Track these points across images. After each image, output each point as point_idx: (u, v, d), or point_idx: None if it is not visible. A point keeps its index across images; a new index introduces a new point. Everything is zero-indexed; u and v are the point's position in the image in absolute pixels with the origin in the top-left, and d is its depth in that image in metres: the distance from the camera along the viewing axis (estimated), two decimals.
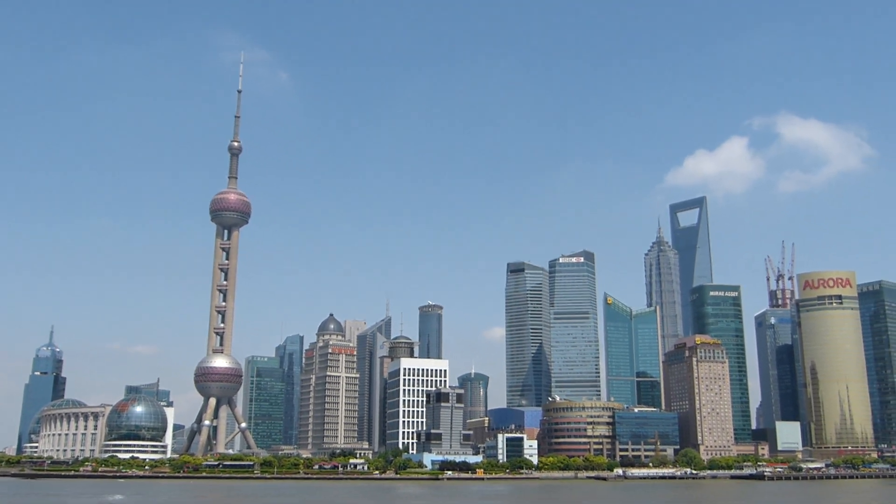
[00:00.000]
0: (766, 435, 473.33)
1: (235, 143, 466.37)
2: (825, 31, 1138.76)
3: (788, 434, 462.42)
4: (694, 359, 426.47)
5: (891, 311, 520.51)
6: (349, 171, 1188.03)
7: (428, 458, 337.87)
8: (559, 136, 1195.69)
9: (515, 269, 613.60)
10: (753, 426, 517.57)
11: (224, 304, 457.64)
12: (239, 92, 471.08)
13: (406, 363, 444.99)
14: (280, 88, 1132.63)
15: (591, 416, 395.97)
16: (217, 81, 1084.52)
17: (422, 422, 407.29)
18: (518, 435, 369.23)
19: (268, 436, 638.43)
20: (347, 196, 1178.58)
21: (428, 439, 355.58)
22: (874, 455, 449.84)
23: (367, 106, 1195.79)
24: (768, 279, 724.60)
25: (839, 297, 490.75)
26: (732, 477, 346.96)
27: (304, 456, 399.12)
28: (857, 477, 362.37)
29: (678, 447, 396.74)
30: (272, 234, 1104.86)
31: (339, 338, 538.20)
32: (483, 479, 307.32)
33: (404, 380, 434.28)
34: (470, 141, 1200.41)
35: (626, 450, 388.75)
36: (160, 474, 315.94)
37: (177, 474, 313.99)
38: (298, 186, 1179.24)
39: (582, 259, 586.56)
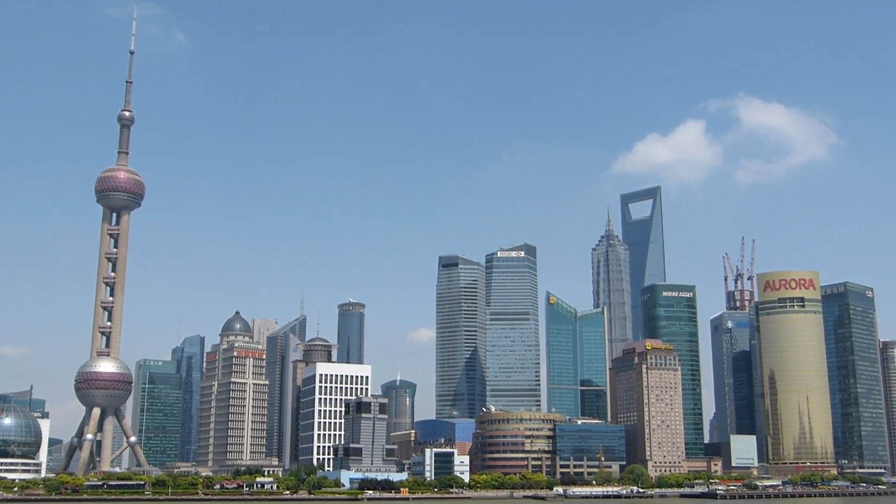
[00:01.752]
0: (719, 450, 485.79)
1: (126, 113, 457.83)
2: (790, 8, 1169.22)
3: (744, 449, 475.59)
4: (644, 366, 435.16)
5: (856, 315, 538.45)
6: (258, 150, 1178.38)
7: (346, 476, 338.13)
8: (498, 116, 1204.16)
9: (448, 264, 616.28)
10: (706, 440, 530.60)
11: (111, 299, 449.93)
12: (131, 53, 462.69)
13: (322, 368, 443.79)
14: (177, 51, 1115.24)
15: (530, 429, 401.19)
16: (104, 41, 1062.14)
17: (339, 435, 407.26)
18: (448, 450, 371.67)
19: (162, 451, 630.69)
20: (257, 178, 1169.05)
21: (346, 455, 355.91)
22: (834, 472, 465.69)
23: (279, 74, 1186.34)
24: (726, 279, 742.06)
25: (801, 299, 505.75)
26: (682, 496, 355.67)
27: (204, 474, 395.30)
28: (815, 495, 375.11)
29: (624, 463, 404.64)
30: (169, 220, 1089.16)
31: (246, 339, 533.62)
32: (408, 499, 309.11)
33: (320, 387, 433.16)
34: (398, 118, 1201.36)
35: (568, 466, 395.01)
36: (32, 497, 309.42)
37: (52, 496, 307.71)
38: (200, 165, 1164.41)
39: (522, 253, 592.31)
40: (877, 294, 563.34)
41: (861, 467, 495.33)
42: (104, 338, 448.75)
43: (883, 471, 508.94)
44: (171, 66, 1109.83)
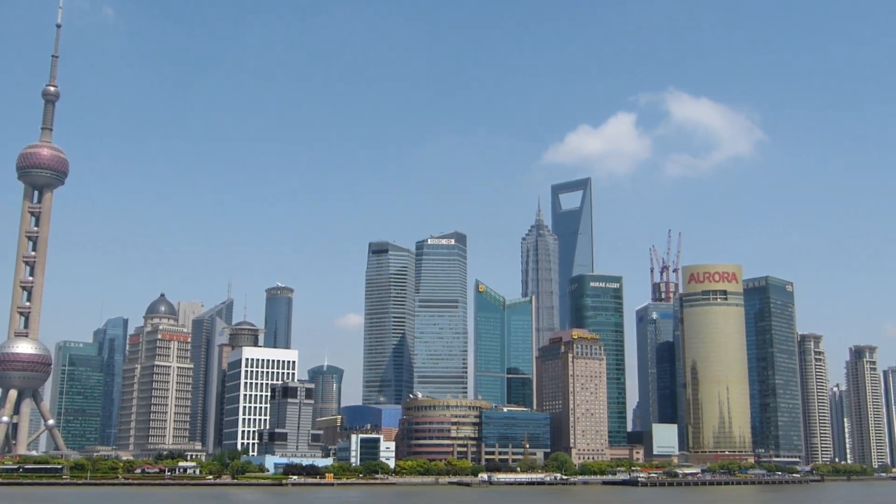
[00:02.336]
0: (642, 438, 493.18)
1: (52, 88, 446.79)
2: (720, 4, 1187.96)
3: (665, 437, 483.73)
4: (570, 355, 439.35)
5: (776, 309, 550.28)
6: (188, 130, 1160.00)
7: (271, 461, 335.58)
8: (430, 103, 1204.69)
9: (378, 250, 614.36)
10: (629, 428, 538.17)
11: (31, 278, 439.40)
12: (58, 27, 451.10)
13: (249, 353, 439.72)
14: (106, 26, 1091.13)
15: (456, 416, 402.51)
16: (30, 13, 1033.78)
17: (265, 420, 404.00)
18: (374, 436, 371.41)
19: (81, 435, 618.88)
20: (185, 158, 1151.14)
21: (271, 439, 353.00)
22: (751, 460, 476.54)
23: (210, 53, 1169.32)
24: (652, 270, 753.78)
25: (724, 292, 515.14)
26: (605, 483, 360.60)
27: (125, 458, 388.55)
28: (732, 483, 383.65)
29: (549, 450, 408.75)
30: (93, 199, 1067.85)
31: (171, 322, 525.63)
32: (333, 484, 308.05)
33: (246, 371, 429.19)
34: (329, 103, 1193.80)
35: (493, 453, 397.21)
36: None
37: None
38: (127, 144, 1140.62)
39: (453, 241, 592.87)
40: (796, 288, 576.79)
41: (777, 456, 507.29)
42: (23, 318, 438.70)
43: (798, 460, 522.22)
44: (99, 42, 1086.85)
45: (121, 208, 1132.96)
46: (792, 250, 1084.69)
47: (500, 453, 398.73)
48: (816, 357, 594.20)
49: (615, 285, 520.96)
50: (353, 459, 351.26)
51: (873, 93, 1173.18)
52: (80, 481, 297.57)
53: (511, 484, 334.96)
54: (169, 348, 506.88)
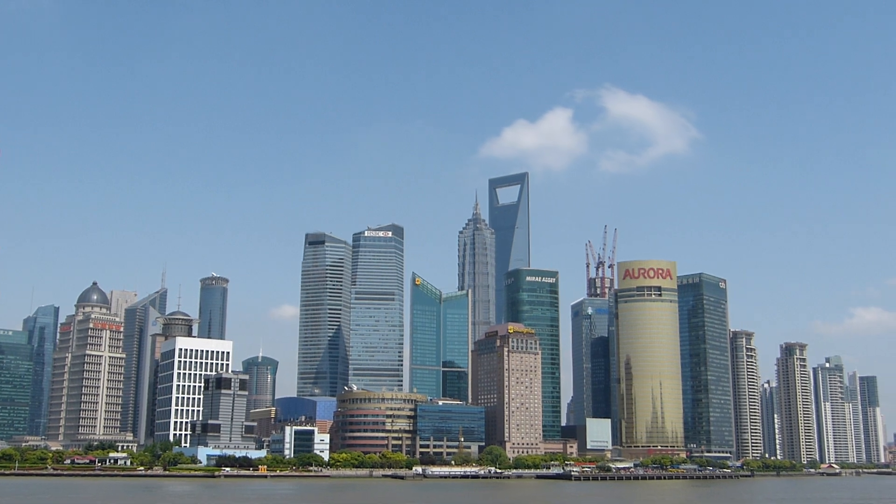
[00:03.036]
0: (575, 432, 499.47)
1: None
2: (657, 3, 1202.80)
3: (599, 432, 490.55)
4: (505, 349, 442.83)
5: (709, 305, 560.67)
6: (121, 115, 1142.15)
7: (203, 453, 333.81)
8: (368, 95, 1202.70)
9: (314, 241, 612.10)
10: (564, 423, 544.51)
11: None
12: None
13: (182, 343, 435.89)
14: (37, 11, 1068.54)
15: (392, 409, 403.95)
16: None
17: (198, 411, 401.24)
18: (308, 428, 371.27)
19: (9, 424, 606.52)
20: (118, 144, 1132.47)
21: (204, 431, 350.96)
22: (683, 455, 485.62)
23: (143, 37, 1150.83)
24: (588, 266, 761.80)
25: (658, 288, 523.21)
26: (538, 477, 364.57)
27: (54, 449, 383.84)
28: (664, 478, 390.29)
29: (484, 444, 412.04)
30: (24, 185, 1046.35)
31: (104, 311, 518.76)
32: (266, 476, 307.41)
33: (179, 362, 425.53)
34: (266, 90, 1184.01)
35: (428, 446, 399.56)
36: None
37: None
38: (58, 128, 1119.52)
39: (390, 233, 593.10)
40: (729, 285, 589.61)
41: (709, 451, 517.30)
42: None
43: (728, 455, 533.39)
44: (28, 27, 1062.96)
45: (53, 195, 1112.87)
46: (725, 247, 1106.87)
47: (434, 447, 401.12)
48: (748, 354, 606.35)
49: (551, 280, 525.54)
50: (286, 452, 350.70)
51: (806, 93, 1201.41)
52: (7, 472, 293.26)
53: (445, 477, 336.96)
54: (101, 337, 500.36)
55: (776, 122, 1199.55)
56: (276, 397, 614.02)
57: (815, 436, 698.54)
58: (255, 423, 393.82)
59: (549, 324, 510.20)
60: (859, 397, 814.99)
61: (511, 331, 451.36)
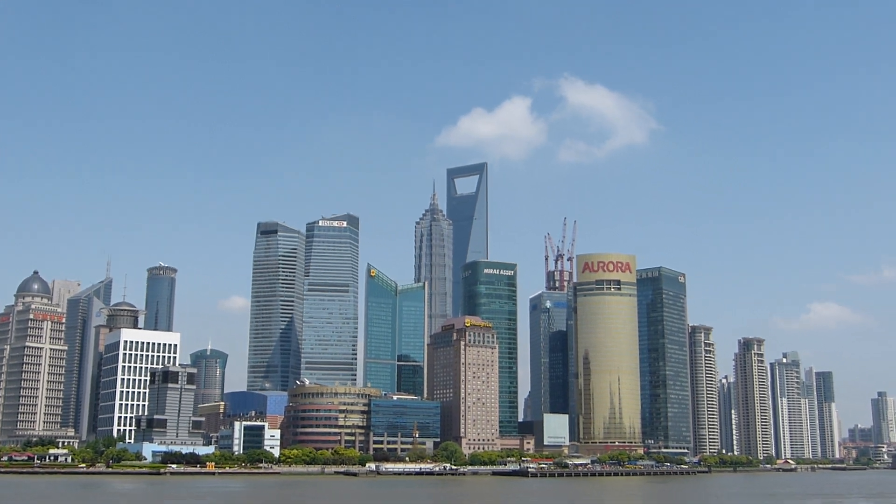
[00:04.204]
0: (533, 428, 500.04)
1: None
2: None
3: (556, 428, 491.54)
4: (462, 342, 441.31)
5: (668, 299, 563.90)
6: (63, 99, 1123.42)
7: (149, 449, 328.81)
8: (322, 82, 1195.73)
9: (267, 231, 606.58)
10: (521, 418, 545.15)
11: None
12: None
13: (128, 335, 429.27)
14: None
15: (345, 404, 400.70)
16: None
17: (143, 405, 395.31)
18: (259, 423, 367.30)
19: None
20: (60, 128, 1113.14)
21: (150, 426, 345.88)
22: (640, 451, 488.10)
23: (90, 24, 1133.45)
24: (547, 258, 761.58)
25: (617, 282, 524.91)
26: (494, 473, 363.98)
27: None
28: (622, 474, 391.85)
29: (439, 440, 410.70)
30: None
31: (45, 301, 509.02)
32: (214, 473, 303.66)
33: (125, 355, 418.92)
34: (219, 78, 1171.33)
35: (382, 442, 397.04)
36: None
37: None
38: None
39: (345, 223, 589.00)
40: (688, 279, 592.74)
41: (666, 447, 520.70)
42: None
43: (686, 451, 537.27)
44: None
45: None
46: (684, 241, 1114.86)
47: (388, 443, 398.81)
48: (706, 349, 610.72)
49: (509, 272, 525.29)
50: (235, 448, 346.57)
51: (767, 86, 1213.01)
52: None
53: (399, 474, 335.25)
54: (41, 329, 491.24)
55: (736, 113, 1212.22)
56: (226, 392, 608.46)
57: (772, 431, 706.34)
58: (202, 419, 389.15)
59: (506, 317, 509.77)
60: (815, 393, 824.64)
61: (468, 324, 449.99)
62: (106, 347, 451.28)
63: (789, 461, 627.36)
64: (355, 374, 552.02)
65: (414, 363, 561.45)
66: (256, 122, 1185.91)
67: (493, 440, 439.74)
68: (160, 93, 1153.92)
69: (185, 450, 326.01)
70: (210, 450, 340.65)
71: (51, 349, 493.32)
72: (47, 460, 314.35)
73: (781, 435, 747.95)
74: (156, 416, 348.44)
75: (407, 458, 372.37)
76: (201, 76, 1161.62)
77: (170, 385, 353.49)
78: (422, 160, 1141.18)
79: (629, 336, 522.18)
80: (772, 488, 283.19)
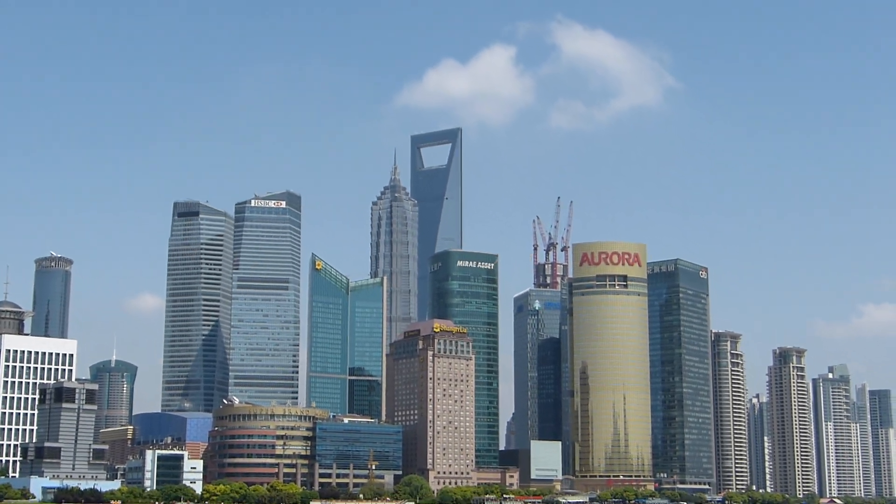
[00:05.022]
0: (517, 458, 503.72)
1: None
2: None
3: (546, 458, 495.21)
4: (430, 352, 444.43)
5: (686, 300, 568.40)
6: None
7: (38, 485, 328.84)
8: (251, 24, 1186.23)
9: (185, 213, 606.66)
10: (502, 446, 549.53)
11: None
12: None
13: (10, 342, 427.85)
14: None
15: (284, 428, 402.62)
16: None
17: (31, 430, 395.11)
18: (176, 452, 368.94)
19: None
20: None
21: (39, 456, 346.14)
22: (651, 487, 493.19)
23: None
24: (535, 248, 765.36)
25: (624, 277, 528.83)
26: None
27: None
28: None
29: (400, 473, 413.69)
30: None
31: None
32: None
33: (7, 367, 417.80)
34: (118, 27, 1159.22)
35: (330, 475, 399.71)
36: None
37: None
38: None
39: (283, 203, 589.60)
40: (711, 275, 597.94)
41: (682, 482, 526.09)
42: None
43: (707, 487, 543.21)
44: None
45: None
46: (706, 228, 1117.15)
47: (338, 476, 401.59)
48: (733, 361, 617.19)
49: (489, 265, 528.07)
50: (147, 482, 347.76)
51: (817, 33, 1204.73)
52: None
53: None
54: None
55: (774, 70, 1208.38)
56: (135, 413, 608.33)
57: (814, 464, 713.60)
58: (105, 447, 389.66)
59: (485, 321, 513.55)
60: (868, 416, 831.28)
61: (437, 329, 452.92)
62: None
63: (835, 501, 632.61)
64: (297, 392, 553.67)
65: (370, 378, 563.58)
66: (169, 77, 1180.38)
67: (467, 473, 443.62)
68: (43, 46, 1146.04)
69: (83, 485, 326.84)
70: (115, 485, 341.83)
71: None
72: None
73: (826, 468, 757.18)
74: (47, 444, 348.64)
75: (361, 496, 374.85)
76: (92, 21, 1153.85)
77: (64, 405, 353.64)
78: (379, 125, 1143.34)
79: (638, 345, 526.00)
80: None
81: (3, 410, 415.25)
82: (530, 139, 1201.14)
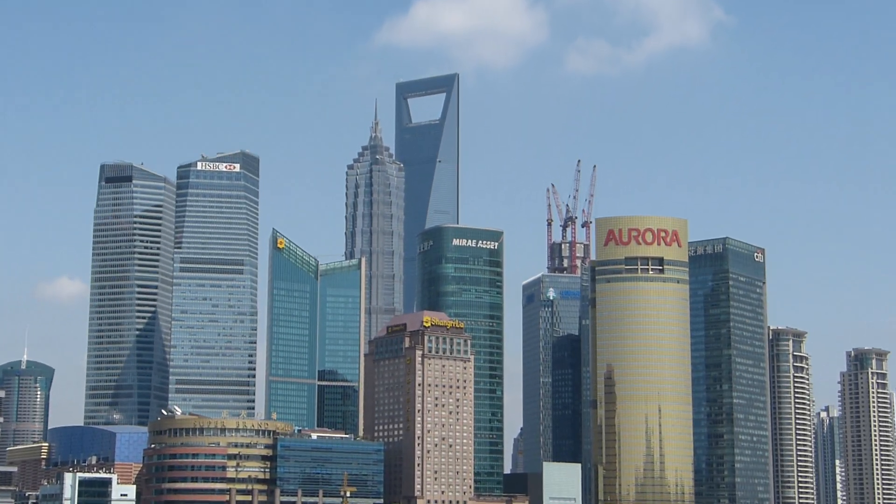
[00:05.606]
0: (526, 484, 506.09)
1: None
2: None
3: (563, 483, 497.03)
4: (418, 352, 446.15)
5: (738, 288, 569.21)
6: None
7: None
8: None
9: (115, 178, 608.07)
10: (508, 468, 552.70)
11: None
12: None
13: None
14: None
15: (237, 445, 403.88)
16: None
17: None
18: (104, 475, 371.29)
19: None
20: None
21: None
22: None
23: None
24: (550, 223, 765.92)
25: (659, 261, 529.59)
26: None
27: None
28: None
29: (382, 501, 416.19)
30: None
31: None
32: None
33: None
34: None
35: (294, 503, 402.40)
36: None
37: None
38: None
39: (237, 167, 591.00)
40: (768, 258, 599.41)
41: None
42: None
43: None
44: None
45: None
46: (764, 201, 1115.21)
47: None
48: (796, 365, 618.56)
49: (492, 244, 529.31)
50: None
51: None
52: None
53: None
54: None
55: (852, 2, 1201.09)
56: (51, 426, 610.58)
57: None
58: (14, 469, 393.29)
59: (487, 314, 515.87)
60: None
61: (427, 323, 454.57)
62: None
63: None
64: (253, 400, 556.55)
65: (344, 383, 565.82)
66: (94, 15, 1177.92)
67: (465, 502, 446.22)
68: None
69: None
70: None
71: None
72: None
73: None
74: None
75: None
76: None
77: None
78: (355, 70, 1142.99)
79: (676, 344, 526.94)
80: None
81: None
82: (542, 88, 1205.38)
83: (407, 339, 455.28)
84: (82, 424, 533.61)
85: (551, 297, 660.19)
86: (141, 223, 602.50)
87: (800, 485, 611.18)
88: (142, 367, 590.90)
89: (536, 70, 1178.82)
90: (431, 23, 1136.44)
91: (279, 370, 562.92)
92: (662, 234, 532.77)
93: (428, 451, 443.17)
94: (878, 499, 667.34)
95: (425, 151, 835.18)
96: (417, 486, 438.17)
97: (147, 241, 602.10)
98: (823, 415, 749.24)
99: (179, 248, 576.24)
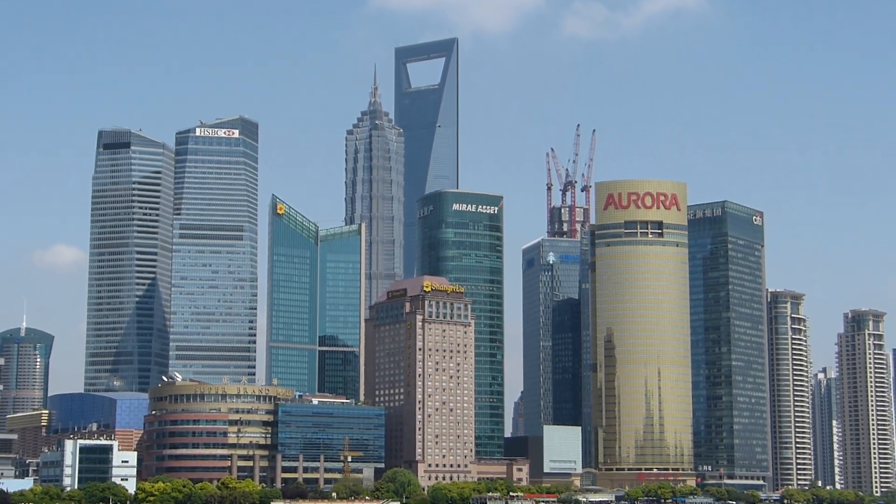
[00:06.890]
0: (527, 448, 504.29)
1: None
2: None
3: (563, 447, 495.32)
4: (419, 317, 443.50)
5: (736, 251, 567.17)
6: None
7: None
8: None
9: (114, 144, 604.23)
10: (508, 433, 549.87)
11: None
12: None
13: None
14: None
15: (238, 411, 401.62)
16: None
17: None
18: (104, 442, 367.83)
19: None
20: None
21: None
22: (691, 482, 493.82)
23: None
24: (549, 188, 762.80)
25: (658, 224, 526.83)
26: None
27: None
28: None
29: (383, 466, 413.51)
30: None
31: None
32: None
33: None
34: None
35: (296, 469, 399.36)
36: None
37: None
38: None
39: (236, 132, 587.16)
40: (766, 221, 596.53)
41: (731, 476, 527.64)
42: None
43: (761, 482, 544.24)
44: None
45: None
46: (762, 165, 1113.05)
47: (305, 470, 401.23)
48: (794, 327, 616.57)
49: (492, 209, 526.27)
50: (67, 480, 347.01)
51: None
52: None
53: None
54: None
55: None
56: (51, 394, 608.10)
57: (895, 453, 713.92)
58: (14, 437, 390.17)
59: (487, 278, 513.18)
60: None
61: (428, 288, 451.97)
62: None
63: None
64: (254, 366, 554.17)
65: (345, 349, 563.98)
66: None
67: (465, 466, 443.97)
68: None
69: None
70: (27, 484, 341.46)
71: None
72: None
73: None
74: None
75: (334, 495, 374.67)
76: None
77: None
78: (354, 34, 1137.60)
79: (676, 307, 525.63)
80: None
81: None
82: (541, 52, 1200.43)
83: (407, 305, 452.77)
84: (82, 391, 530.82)
85: (551, 262, 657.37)
86: (140, 190, 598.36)
87: (797, 445, 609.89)
88: (142, 333, 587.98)
89: (534, 34, 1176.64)
90: None
91: (280, 336, 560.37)
92: (662, 197, 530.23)
93: (429, 416, 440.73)
94: (874, 458, 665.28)
95: (425, 116, 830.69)
96: (418, 451, 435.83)
97: (146, 208, 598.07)
98: (821, 376, 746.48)
99: (179, 214, 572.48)
